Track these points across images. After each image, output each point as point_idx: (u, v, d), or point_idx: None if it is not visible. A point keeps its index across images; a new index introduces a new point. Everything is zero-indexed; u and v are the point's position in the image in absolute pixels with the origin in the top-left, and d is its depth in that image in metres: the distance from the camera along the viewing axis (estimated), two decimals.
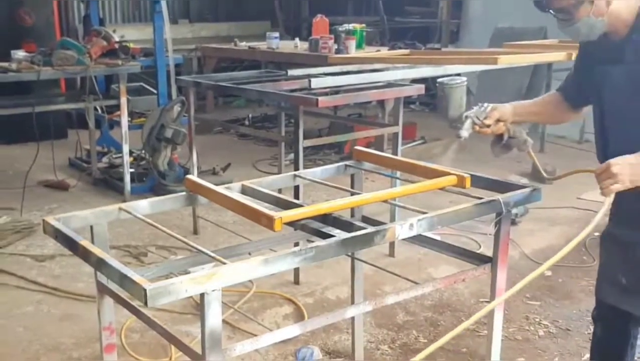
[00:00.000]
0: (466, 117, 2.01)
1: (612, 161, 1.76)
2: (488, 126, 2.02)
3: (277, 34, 6.08)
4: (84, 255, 1.61)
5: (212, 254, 1.63)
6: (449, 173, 1.99)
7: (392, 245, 3.58)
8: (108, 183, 4.93)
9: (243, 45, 6.33)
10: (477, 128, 2.02)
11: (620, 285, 1.98)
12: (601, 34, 1.85)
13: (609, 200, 1.80)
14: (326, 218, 1.78)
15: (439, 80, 2.13)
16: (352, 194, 2.16)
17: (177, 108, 4.67)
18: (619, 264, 1.98)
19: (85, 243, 1.62)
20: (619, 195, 2.05)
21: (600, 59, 1.90)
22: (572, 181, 4.62)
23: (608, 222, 2.10)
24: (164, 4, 5.27)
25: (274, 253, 1.55)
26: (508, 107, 2.07)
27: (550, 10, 1.83)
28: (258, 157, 5.82)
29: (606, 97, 1.92)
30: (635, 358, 2.19)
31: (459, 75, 3.79)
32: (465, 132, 2.00)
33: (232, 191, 1.93)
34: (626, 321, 2.10)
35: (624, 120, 1.86)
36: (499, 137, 2.06)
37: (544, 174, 2.08)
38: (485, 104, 2.06)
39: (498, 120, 2.03)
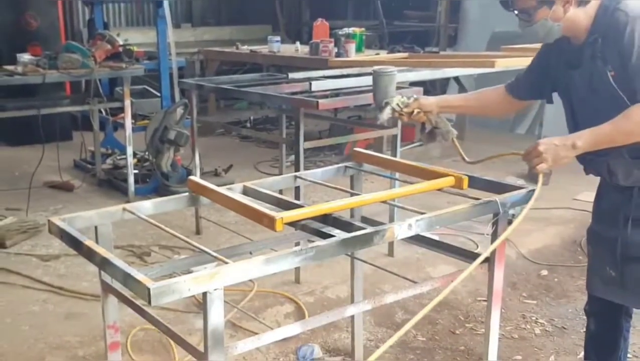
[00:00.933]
0: (386, 103, 2.18)
1: (540, 141, 1.89)
2: (410, 114, 2.18)
3: (278, 38, 6.09)
4: (89, 254, 1.63)
5: (215, 254, 1.64)
6: (446, 175, 2.03)
7: (391, 244, 3.59)
8: (112, 184, 4.95)
9: (245, 48, 6.34)
10: (396, 115, 2.19)
11: (609, 278, 2.04)
12: (559, 38, 1.95)
13: (541, 179, 1.92)
14: (326, 219, 1.80)
15: (373, 68, 2.31)
16: (352, 195, 2.17)
17: (180, 110, 4.70)
18: (606, 258, 2.04)
19: (89, 243, 1.64)
20: (599, 194, 2.11)
21: (565, 62, 2.00)
22: (567, 181, 4.68)
23: (591, 219, 2.18)
24: (167, 8, 5.32)
25: (275, 253, 1.56)
26: (432, 100, 2.23)
27: (515, 10, 1.93)
28: (259, 158, 5.86)
29: (574, 97, 2.02)
30: (629, 351, 2.24)
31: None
32: (384, 116, 2.20)
33: (234, 192, 1.95)
34: (618, 314, 2.16)
35: (593, 116, 1.93)
36: (424, 125, 2.24)
37: (466, 159, 2.21)
38: (409, 94, 2.26)
39: (420, 110, 2.18)
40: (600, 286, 2.11)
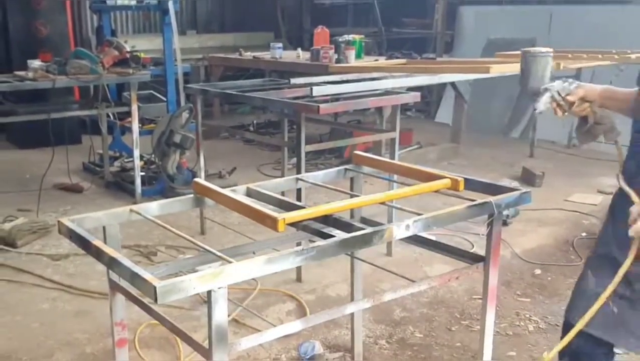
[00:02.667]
0: (545, 89, 1.83)
1: None
2: (571, 104, 1.80)
3: (280, 44, 6.15)
4: (97, 254, 1.65)
5: (219, 253, 1.65)
6: (443, 177, 2.06)
7: (389, 244, 3.63)
8: (120, 186, 5.03)
9: (248, 55, 6.41)
10: (554, 105, 1.81)
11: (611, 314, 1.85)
12: None
13: None
14: (327, 219, 1.84)
15: (523, 49, 1.92)
16: (352, 196, 2.18)
17: (185, 114, 4.77)
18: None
19: (98, 243, 1.66)
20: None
21: None
22: (560, 183, 4.78)
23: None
24: (172, 16, 5.41)
25: (277, 253, 1.59)
26: (596, 88, 1.84)
27: None
28: (262, 161, 5.92)
29: None
30: None
31: None
32: (542, 105, 1.82)
33: (238, 193, 2.00)
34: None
35: None
36: (584, 120, 1.83)
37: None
38: (570, 80, 1.85)
39: (583, 100, 1.80)
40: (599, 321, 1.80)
